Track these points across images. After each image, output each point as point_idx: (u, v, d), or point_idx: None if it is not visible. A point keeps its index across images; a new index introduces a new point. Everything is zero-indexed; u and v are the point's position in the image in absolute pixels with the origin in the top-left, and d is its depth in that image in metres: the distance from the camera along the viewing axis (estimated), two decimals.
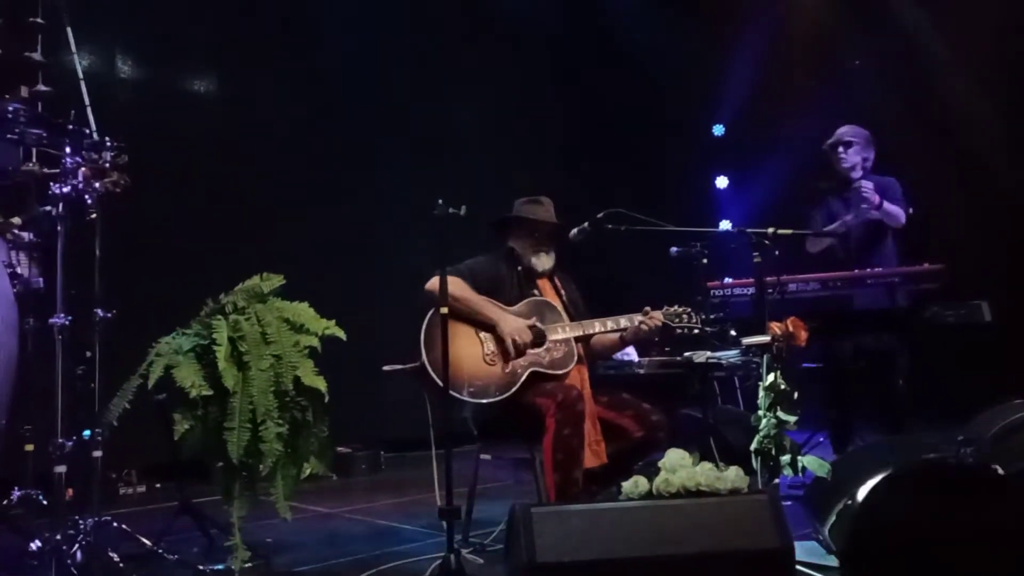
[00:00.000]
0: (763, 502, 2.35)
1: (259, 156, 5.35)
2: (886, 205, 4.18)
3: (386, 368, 3.12)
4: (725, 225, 7.11)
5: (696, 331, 3.25)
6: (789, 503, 3.15)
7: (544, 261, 3.28)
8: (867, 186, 4.17)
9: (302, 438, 3.09)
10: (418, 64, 6.19)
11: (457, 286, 3.00)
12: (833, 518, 2.56)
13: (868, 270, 4.14)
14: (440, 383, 2.72)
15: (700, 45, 6.80)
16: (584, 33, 7.12)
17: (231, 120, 5.39)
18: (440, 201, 2.81)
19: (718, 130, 7.45)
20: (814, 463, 2.69)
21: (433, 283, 2.87)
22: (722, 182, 7.48)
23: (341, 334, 3.20)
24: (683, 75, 6.92)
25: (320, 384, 3.06)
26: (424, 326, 2.95)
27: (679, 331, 3.22)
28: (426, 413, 3.05)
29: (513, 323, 3.03)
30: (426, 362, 2.90)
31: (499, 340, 3.02)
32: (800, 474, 2.76)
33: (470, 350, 2.98)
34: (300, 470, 3.12)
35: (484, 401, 2.92)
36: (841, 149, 4.34)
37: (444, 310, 2.77)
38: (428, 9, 6.28)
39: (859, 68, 6.42)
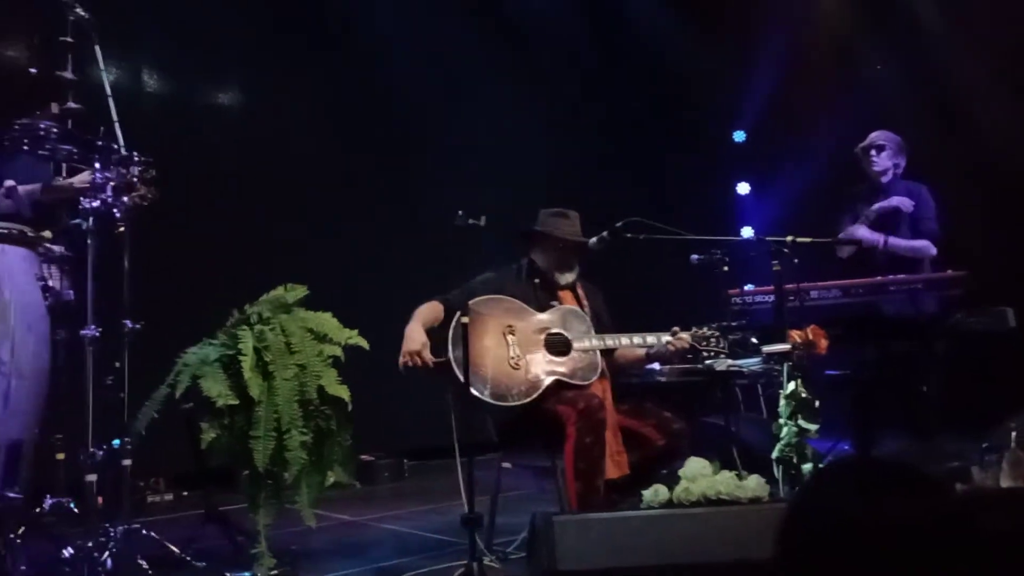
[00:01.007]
0: (784, 511, 2.34)
1: (283, 168, 5.42)
2: (893, 242, 4.17)
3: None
4: (747, 232, 7.08)
5: (724, 355, 3.25)
6: None
7: (567, 276, 3.29)
8: (905, 203, 4.16)
9: (326, 446, 3.13)
10: (442, 77, 6.23)
11: (420, 314, 3.09)
12: None
13: (891, 276, 4.12)
14: (463, 379, 2.76)
15: (720, 52, 6.79)
16: (605, 41, 7.13)
17: (256, 133, 5.47)
18: (460, 212, 2.84)
19: (739, 136, 7.43)
20: None
21: (420, 308, 3.08)
22: (743, 188, 7.45)
23: (364, 343, 3.24)
24: (703, 82, 6.91)
25: (343, 393, 3.10)
26: (452, 324, 2.97)
27: (706, 354, 3.22)
28: (448, 421, 3.07)
29: (409, 342, 3.03)
30: (451, 359, 2.93)
31: (528, 344, 3.04)
32: None
33: (496, 351, 3.00)
34: (324, 478, 3.16)
35: (504, 404, 2.93)
36: (873, 152, 4.33)
37: (465, 320, 2.80)
38: (453, 24, 6.33)
39: (881, 73, 6.38)
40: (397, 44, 5.89)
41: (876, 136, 4.37)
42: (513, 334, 3.05)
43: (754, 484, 2.40)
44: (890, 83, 6.26)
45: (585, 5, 7.03)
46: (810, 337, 2.82)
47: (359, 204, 5.69)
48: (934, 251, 4.22)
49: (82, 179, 2.99)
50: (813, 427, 2.72)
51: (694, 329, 3.19)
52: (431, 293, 3.21)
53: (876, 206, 4.28)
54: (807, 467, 2.70)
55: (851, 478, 1.54)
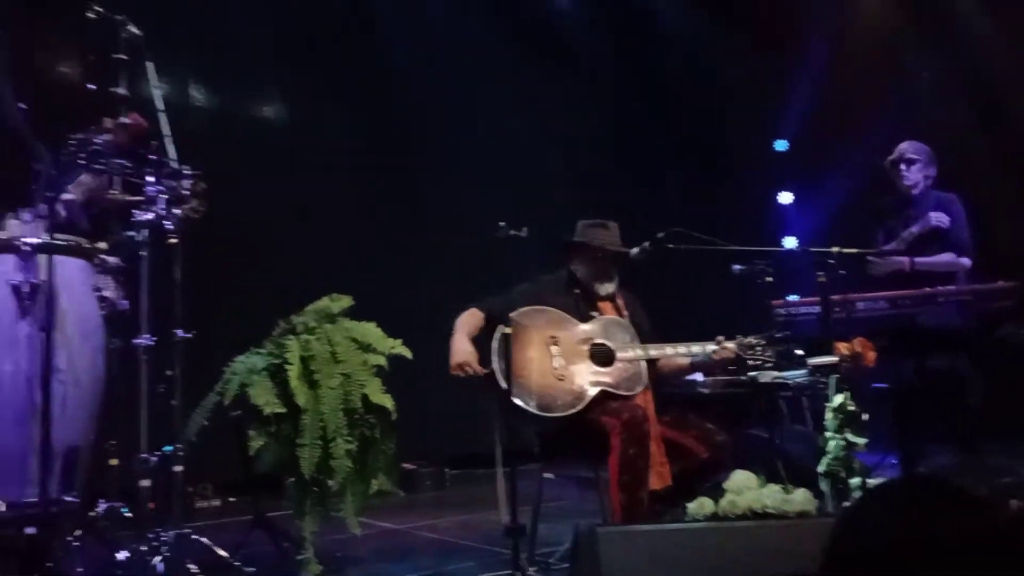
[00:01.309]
0: (832, 526, 2.31)
1: (327, 180, 5.52)
2: (920, 263, 4.08)
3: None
4: (790, 242, 7.01)
5: (770, 364, 3.20)
6: None
7: (607, 286, 3.29)
8: (942, 219, 4.08)
9: (370, 455, 3.17)
10: (481, 89, 6.28)
11: (463, 321, 3.12)
12: None
13: (939, 287, 4.04)
14: (506, 386, 2.78)
15: (762, 59, 6.75)
16: (644, 50, 7.13)
17: (301, 145, 5.57)
18: (502, 223, 2.86)
19: (781, 145, 7.36)
20: None
21: (461, 317, 3.11)
22: (786, 198, 7.37)
23: (407, 353, 3.29)
24: (744, 90, 6.88)
25: (387, 402, 3.14)
26: (495, 335, 2.99)
27: (752, 363, 3.18)
28: (490, 430, 3.08)
29: (456, 354, 3.04)
30: (496, 369, 2.94)
31: (572, 355, 3.04)
32: None
33: (540, 363, 3.00)
34: (368, 486, 3.21)
35: (550, 415, 2.93)
36: (903, 167, 4.24)
37: (508, 330, 2.82)
38: (489, 35, 6.39)
39: (927, 81, 6.28)
40: (436, 57, 5.95)
41: (905, 148, 4.26)
42: (556, 345, 3.05)
43: (801, 498, 2.37)
44: (936, 90, 6.16)
45: (622, 13, 7.04)
46: (857, 349, 2.78)
47: (401, 215, 5.75)
48: (966, 262, 4.12)
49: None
50: (861, 441, 2.68)
51: (739, 338, 3.15)
52: (472, 302, 3.23)
53: (915, 228, 4.17)
54: (855, 481, 2.65)
55: (901, 495, 1.53)
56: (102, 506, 3.01)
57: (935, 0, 6.24)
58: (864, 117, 6.08)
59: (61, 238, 2.86)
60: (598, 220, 3.34)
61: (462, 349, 3.03)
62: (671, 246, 3.32)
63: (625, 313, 3.32)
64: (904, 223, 4.24)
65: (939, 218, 4.08)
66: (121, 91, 3.12)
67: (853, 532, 1.56)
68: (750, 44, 6.75)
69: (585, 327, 3.14)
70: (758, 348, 3.13)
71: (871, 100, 6.28)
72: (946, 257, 4.13)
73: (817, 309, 4.01)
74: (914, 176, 4.23)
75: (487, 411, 3.07)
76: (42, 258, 2.74)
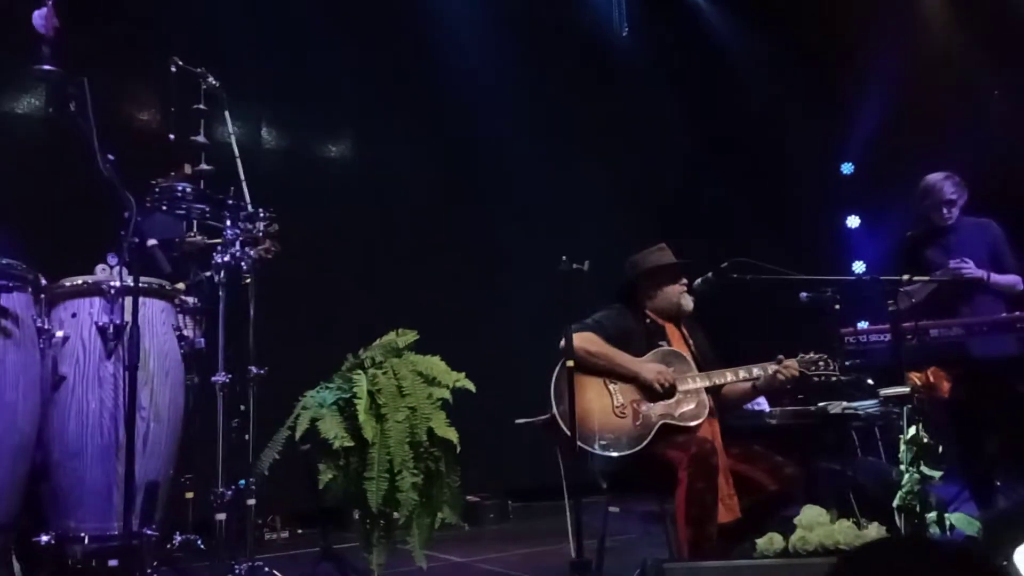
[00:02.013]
0: None
1: (394, 218, 5.67)
2: (995, 278, 3.92)
3: (519, 421, 3.19)
4: (859, 267, 6.87)
5: (834, 379, 3.13)
6: None
7: (688, 300, 3.27)
8: (968, 268, 3.95)
9: (436, 488, 3.20)
10: (544, 125, 6.34)
11: (591, 341, 3.05)
12: None
13: (1018, 313, 3.89)
14: (569, 433, 2.77)
15: (828, 81, 6.67)
16: (706, 75, 7.14)
17: (367, 184, 5.74)
18: (564, 257, 2.89)
19: (847, 168, 7.25)
20: (963, 521, 2.55)
21: (590, 338, 3.01)
22: (853, 222, 7.24)
23: (471, 386, 3.31)
24: (808, 114, 6.80)
25: (452, 435, 3.17)
26: (553, 379, 2.99)
27: (816, 379, 3.12)
28: (551, 462, 3.08)
29: (654, 367, 3.05)
30: (556, 415, 2.94)
31: (631, 391, 3.03)
32: (948, 532, 2.62)
33: (600, 402, 3.00)
34: (434, 519, 3.23)
35: (616, 454, 2.92)
36: (945, 210, 4.11)
37: (570, 363, 2.83)
38: (554, 69, 6.49)
39: (997, 99, 6.11)
40: (497, 94, 6.06)
41: (945, 189, 4.07)
42: (615, 383, 3.05)
43: (875, 533, 2.31)
44: (1007, 108, 5.98)
45: (683, 44, 7.07)
46: (931, 379, 2.70)
47: (467, 250, 5.85)
48: (1022, 285, 3.97)
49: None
50: (936, 474, 2.60)
51: (800, 355, 3.11)
52: (536, 337, 3.26)
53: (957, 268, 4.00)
54: (931, 516, 2.57)
55: (877, 558, 1.50)
56: (177, 538, 3.11)
57: (1004, 18, 6.07)
58: (931, 138, 5.94)
59: (144, 281, 3.00)
60: (650, 248, 3.33)
61: (650, 366, 3.04)
62: (735, 276, 3.29)
63: (690, 341, 3.30)
64: (946, 252, 4.11)
65: (961, 264, 3.93)
66: (201, 139, 3.29)
67: None
68: (812, 65, 6.68)
69: (644, 360, 3.13)
70: (821, 363, 3.07)
71: (939, 120, 6.14)
72: (1014, 278, 3.99)
73: (887, 336, 3.91)
74: (955, 214, 4.13)
75: (550, 446, 3.07)
76: (127, 300, 2.88)
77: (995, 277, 3.96)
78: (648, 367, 3.05)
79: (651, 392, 3.04)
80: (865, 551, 1.57)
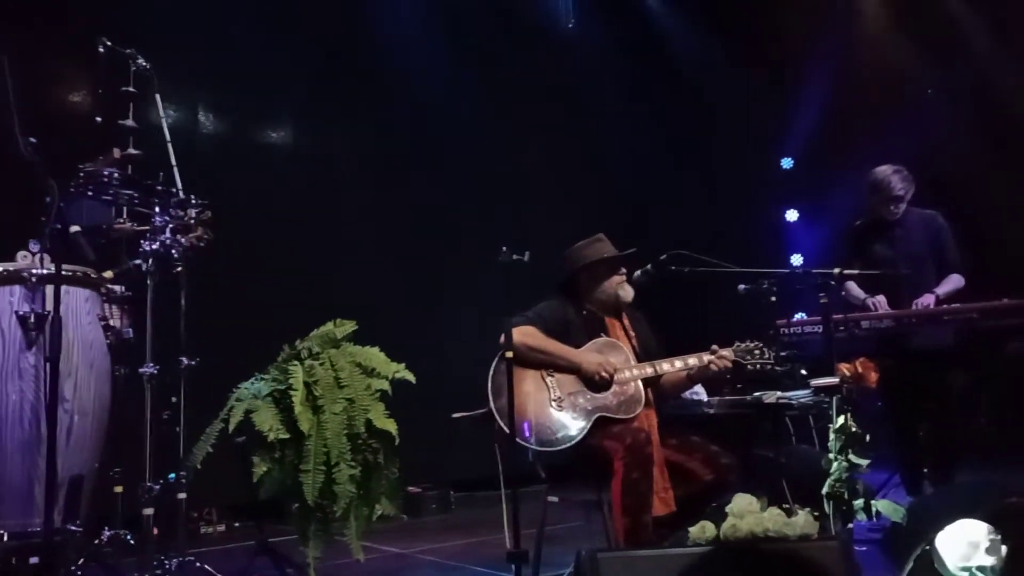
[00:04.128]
0: (834, 548, 2.31)
1: (331, 207, 5.57)
2: (944, 291, 4.04)
3: (456, 415, 3.17)
4: (797, 260, 7.02)
5: (770, 367, 3.17)
6: (865, 548, 3.09)
7: (628, 290, 3.27)
8: (880, 304, 4.05)
9: (374, 479, 3.17)
10: (485, 111, 6.32)
11: (530, 335, 3.03)
12: (911, 564, 2.49)
13: (945, 306, 4.02)
14: (507, 430, 2.76)
15: (767, 77, 6.79)
16: (649, 69, 7.19)
17: (304, 173, 5.62)
18: (504, 248, 2.88)
19: (786, 163, 7.40)
20: (888, 507, 2.62)
21: (527, 330, 2.99)
22: (792, 215, 7.40)
23: (410, 377, 3.29)
24: (749, 108, 6.91)
25: (391, 426, 3.14)
26: (491, 373, 2.98)
27: (751, 368, 3.15)
28: (494, 452, 3.07)
29: (595, 358, 3.05)
30: (493, 409, 2.93)
31: (569, 383, 3.03)
32: (875, 518, 2.69)
33: (537, 396, 2.99)
34: (372, 511, 3.20)
35: (551, 449, 2.91)
36: (893, 206, 4.18)
37: (509, 355, 2.82)
38: (491, 55, 6.46)
39: (931, 96, 6.29)
40: (442, 83, 6.00)
41: (895, 185, 4.11)
42: (552, 375, 3.05)
43: (803, 521, 2.35)
44: (940, 105, 6.17)
45: (627, 34, 7.11)
46: (859, 370, 2.77)
47: (405, 241, 5.79)
48: (963, 282, 4.10)
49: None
50: (864, 462, 2.67)
51: (736, 344, 3.13)
52: (476, 327, 3.24)
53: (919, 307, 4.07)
54: (858, 503, 2.64)
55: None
56: (106, 534, 3.03)
57: (938, 17, 6.25)
58: (870, 133, 6.09)
59: (68, 268, 2.89)
60: (589, 239, 3.34)
61: (595, 359, 3.03)
62: (674, 268, 3.32)
63: (632, 333, 3.31)
64: (891, 244, 4.20)
65: (922, 303, 4.04)
66: (130, 123, 3.18)
67: None
68: (753, 62, 6.79)
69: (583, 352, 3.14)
70: (756, 351, 3.11)
71: (876, 116, 6.29)
72: (956, 279, 4.10)
73: (821, 328, 4.00)
74: (904, 208, 4.20)
75: (490, 438, 3.06)
76: (49, 288, 2.77)
77: (943, 289, 4.06)
78: (589, 358, 3.06)
79: (589, 384, 3.05)
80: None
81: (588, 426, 2.96)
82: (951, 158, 5.73)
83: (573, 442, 2.93)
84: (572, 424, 2.97)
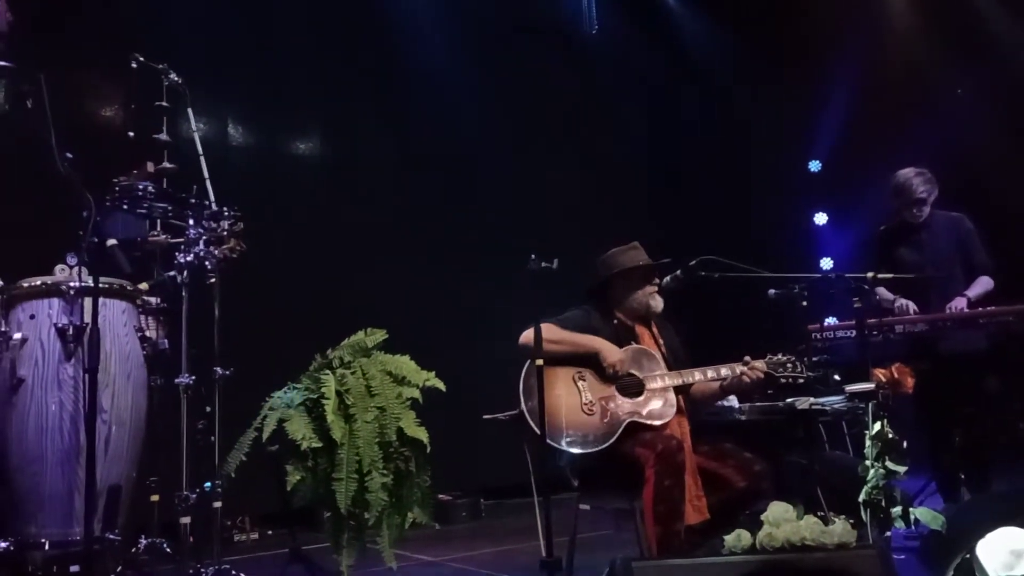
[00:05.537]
0: (872, 557, 2.28)
1: (361, 217, 5.60)
2: (974, 293, 3.97)
3: (486, 416, 3.18)
4: (827, 263, 6.95)
5: (801, 380, 3.14)
6: (903, 556, 3.04)
7: (660, 302, 3.27)
8: (907, 307, 3.99)
9: (406, 488, 3.19)
10: (511, 120, 6.33)
11: (550, 330, 3.01)
12: (951, 573, 2.45)
13: (980, 309, 3.96)
14: (538, 431, 2.76)
15: (794, 80, 6.73)
16: (675, 73, 7.17)
17: (334, 182, 5.68)
18: (533, 256, 2.88)
19: (814, 166, 7.33)
20: (927, 515, 2.58)
21: (527, 336, 2.94)
22: (821, 219, 7.33)
23: (441, 385, 3.30)
24: (776, 112, 6.86)
25: (422, 435, 3.16)
26: (522, 375, 2.98)
27: (783, 381, 3.13)
28: (524, 460, 3.07)
29: (617, 352, 3.03)
30: (525, 411, 2.93)
31: (600, 388, 3.02)
32: (913, 526, 2.65)
33: (569, 399, 2.99)
34: (404, 519, 3.22)
35: (582, 451, 2.92)
36: (916, 210, 4.12)
37: (539, 362, 2.82)
38: (515, 63, 6.48)
39: (961, 96, 6.21)
40: (467, 93, 6.02)
41: (917, 188, 4.05)
42: (584, 380, 3.04)
43: (840, 529, 2.33)
44: (970, 105, 6.08)
45: (650, 39, 7.10)
46: (895, 376, 2.73)
47: (435, 249, 5.82)
48: (992, 284, 4.03)
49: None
50: (901, 469, 2.63)
51: (768, 356, 3.11)
52: (506, 335, 3.24)
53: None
54: (896, 510, 2.60)
55: None
56: (143, 542, 3.07)
57: (967, 17, 6.17)
58: (898, 135, 6.02)
59: (104, 281, 2.94)
60: (624, 246, 3.32)
61: (616, 351, 3.03)
62: (704, 273, 3.30)
63: (661, 340, 3.29)
64: (917, 248, 4.15)
65: (955, 307, 3.98)
66: (163, 137, 3.23)
67: None
68: (782, 64, 6.74)
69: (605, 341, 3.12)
70: (788, 364, 3.08)
71: (905, 117, 6.22)
72: (986, 281, 4.04)
73: (854, 333, 3.96)
74: (927, 211, 4.13)
75: (523, 444, 3.06)
76: (86, 301, 2.82)
77: (974, 292, 4.00)
78: (610, 350, 3.03)
79: (620, 390, 3.04)
80: None
81: (619, 432, 2.95)
82: (982, 159, 5.65)
83: (603, 447, 2.92)
84: (603, 429, 2.95)
